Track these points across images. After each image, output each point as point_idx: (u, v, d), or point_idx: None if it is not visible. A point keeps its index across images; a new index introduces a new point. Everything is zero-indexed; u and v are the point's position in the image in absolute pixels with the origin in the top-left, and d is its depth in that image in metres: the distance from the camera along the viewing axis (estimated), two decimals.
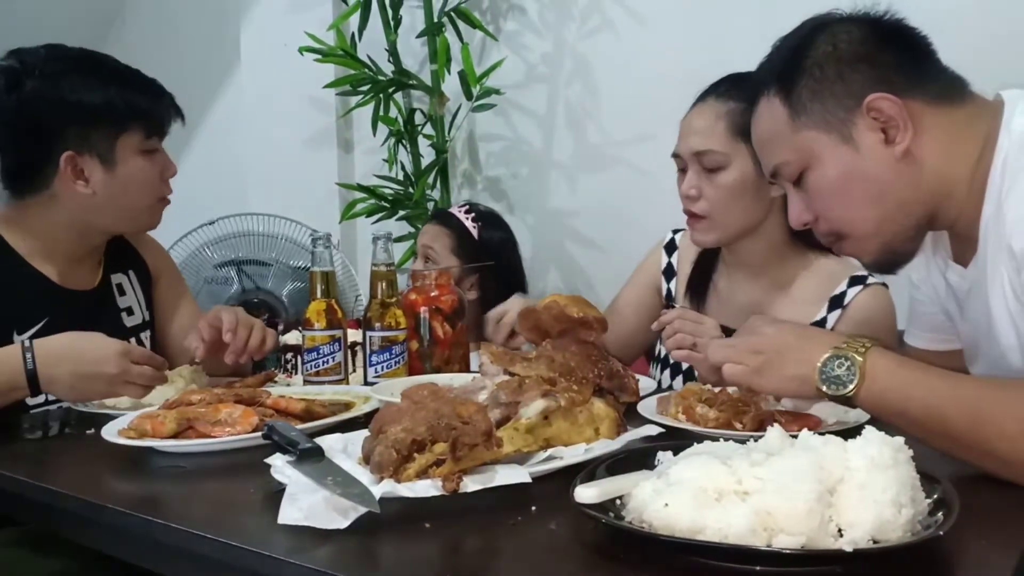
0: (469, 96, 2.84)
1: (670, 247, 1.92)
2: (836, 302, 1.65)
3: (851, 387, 1.08)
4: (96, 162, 1.63)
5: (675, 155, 1.71)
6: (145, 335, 1.86)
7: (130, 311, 1.84)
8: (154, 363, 1.50)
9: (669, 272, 1.90)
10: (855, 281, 1.66)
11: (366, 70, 2.90)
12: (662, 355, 1.88)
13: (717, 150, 1.63)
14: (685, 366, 1.79)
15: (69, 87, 1.62)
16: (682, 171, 1.71)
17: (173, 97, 1.74)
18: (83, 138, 1.62)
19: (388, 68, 2.94)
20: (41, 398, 1.59)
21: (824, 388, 1.10)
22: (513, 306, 1.76)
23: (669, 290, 1.89)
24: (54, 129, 1.62)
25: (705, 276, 1.83)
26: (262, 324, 1.74)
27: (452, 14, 2.86)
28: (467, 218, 2.40)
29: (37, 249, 1.68)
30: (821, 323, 1.65)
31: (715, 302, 1.80)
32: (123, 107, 1.64)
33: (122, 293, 1.84)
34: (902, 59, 1.18)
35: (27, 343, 1.44)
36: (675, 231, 1.93)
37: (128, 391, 1.47)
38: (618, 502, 0.92)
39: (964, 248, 1.24)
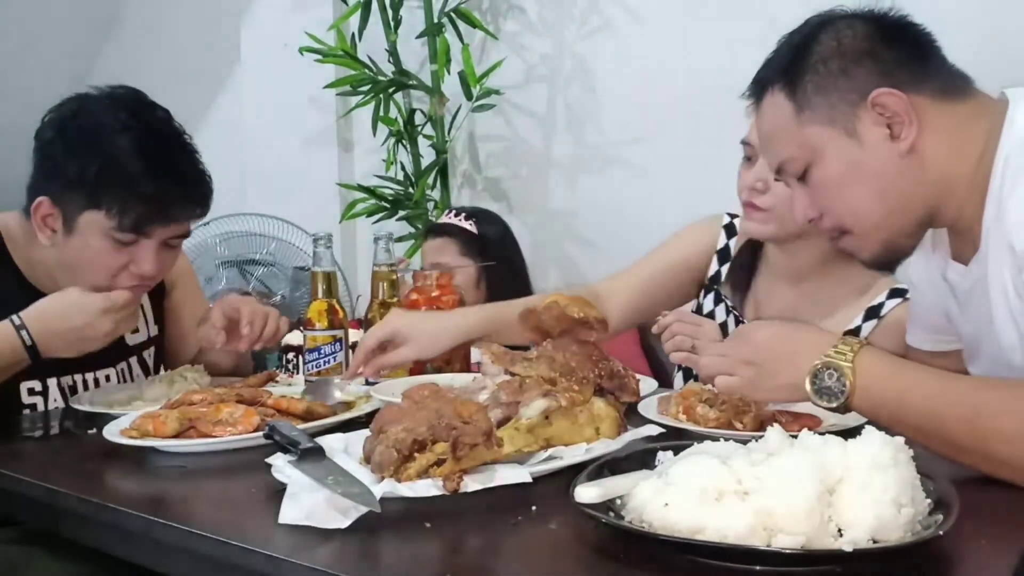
0: (469, 96, 2.84)
1: (730, 229, 1.83)
2: (873, 312, 1.63)
3: (843, 399, 1.08)
4: (60, 219, 1.55)
5: (746, 142, 1.65)
6: (148, 352, 1.80)
7: (134, 328, 1.79)
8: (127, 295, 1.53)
9: (724, 254, 1.82)
10: (895, 293, 1.63)
11: (366, 70, 2.90)
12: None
13: None
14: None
15: (82, 143, 1.53)
16: (747, 159, 1.65)
17: (203, 198, 1.60)
18: (59, 193, 1.54)
19: (388, 68, 2.94)
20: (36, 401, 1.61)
21: (816, 400, 1.10)
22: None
23: (719, 272, 1.82)
24: (47, 170, 1.56)
25: (748, 272, 1.78)
26: (276, 312, 1.73)
27: (452, 14, 2.86)
28: (460, 219, 2.39)
29: (36, 267, 1.66)
30: (855, 331, 1.62)
31: (752, 304, 1.77)
32: (107, 186, 1.50)
33: None
34: (906, 55, 1.19)
35: (17, 320, 1.46)
36: (732, 215, 1.83)
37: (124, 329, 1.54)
38: (618, 502, 0.92)
39: (964, 246, 1.24)
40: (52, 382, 1.63)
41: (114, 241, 1.53)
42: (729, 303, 1.78)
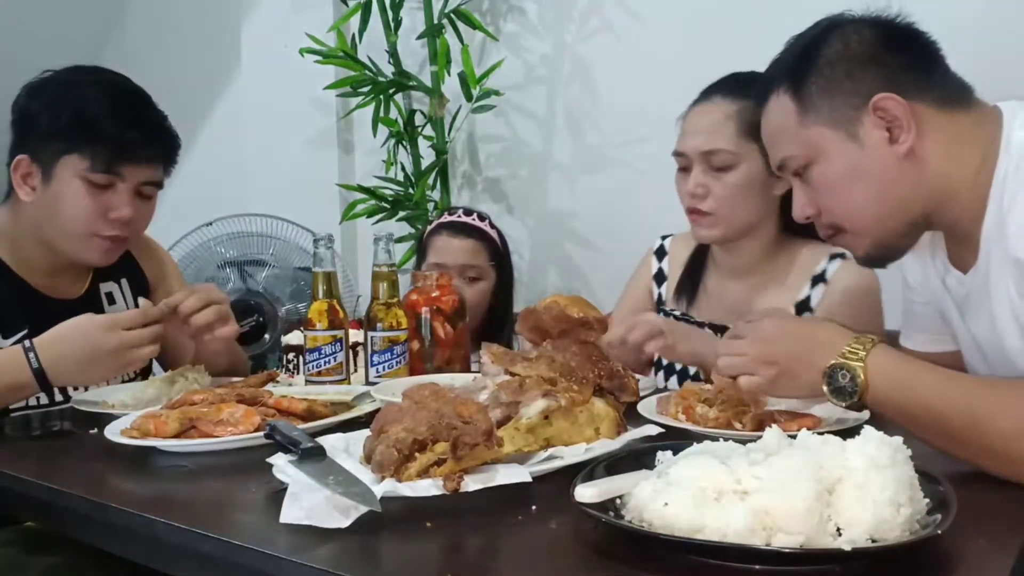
0: (469, 97, 2.84)
1: (660, 252, 1.94)
2: (818, 279, 1.70)
3: (855, 398, 1.11)
4: (39, 172, 1.63)
5: (678, 153, 1.71)
6: None
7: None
8: (146, 319, 1.51)
9: (660, 277, 1.93)
10: (835, 256, 1.69)
11: (366, 71, 2.91)
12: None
13: (727, 149, 1.65)
14: (679, 366, 1.82)
15: (56, 98, 1.62)
16: (683, 170, 1.72)
17: (171, 146, 1.70)
18: (36, 147, 1.63)
19: (388, 69, 2.94)
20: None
21: (832, 399, 1.14)
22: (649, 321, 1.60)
23: (660, 295, 1.92)
24: (24, 130, 1.65)
25: (695, 277, 1.85)
26: (220, 309, 1.63)
27: (452, 15, 2.86)
28: (487, 226, 2.27)
29: (21, 257, 1.68)
30: (805, 301, 1.69)
31: (704, 302, 1.83)
32: (80, 129, 1.60)
33: (112, 302, 1.81)
34: (910, 62, 1.21)
35: (28, 344, 1.46)
36: (664, 237, 1.96)
37: (135, 359, 1.50)
38: (618, 501, 0.93)
39: (962, 253, 1.25)
40: None
41: (90, 184, 1.61)
42: (677, 315, 1.83)
